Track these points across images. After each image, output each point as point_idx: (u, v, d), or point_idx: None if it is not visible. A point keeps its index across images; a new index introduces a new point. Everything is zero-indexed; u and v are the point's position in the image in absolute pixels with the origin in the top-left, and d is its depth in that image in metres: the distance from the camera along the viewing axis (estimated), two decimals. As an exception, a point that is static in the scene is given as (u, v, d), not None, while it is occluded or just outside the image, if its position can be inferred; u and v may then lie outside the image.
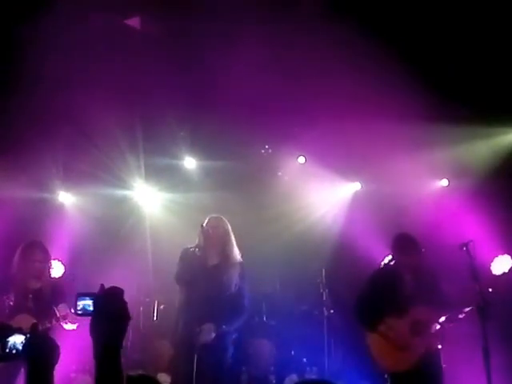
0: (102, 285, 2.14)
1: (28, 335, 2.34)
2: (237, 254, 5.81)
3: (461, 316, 5.49)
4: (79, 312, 2.20)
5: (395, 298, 5.72)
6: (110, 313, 2.07)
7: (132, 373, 2.53)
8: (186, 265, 5.70)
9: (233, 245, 5.83)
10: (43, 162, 8.23)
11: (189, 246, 5.80)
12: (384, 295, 5.73)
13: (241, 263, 5.81)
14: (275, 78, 6.80)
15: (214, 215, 5.94)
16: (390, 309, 5.71)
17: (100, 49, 6.40)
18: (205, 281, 5.57)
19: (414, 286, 5.76)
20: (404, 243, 5.85)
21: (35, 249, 6.03)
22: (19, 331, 2.33)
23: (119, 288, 2.14)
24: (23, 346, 2.32)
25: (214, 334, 5.45)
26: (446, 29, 6.36)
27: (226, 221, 5.92)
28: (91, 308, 2.16)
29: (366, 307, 5.83)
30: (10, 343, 2.31)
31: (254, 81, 6.88)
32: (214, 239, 5.72)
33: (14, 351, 2.32)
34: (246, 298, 5.76)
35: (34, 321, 5.40)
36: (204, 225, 5.76)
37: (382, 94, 6.66)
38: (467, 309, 5.41)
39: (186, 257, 5.75)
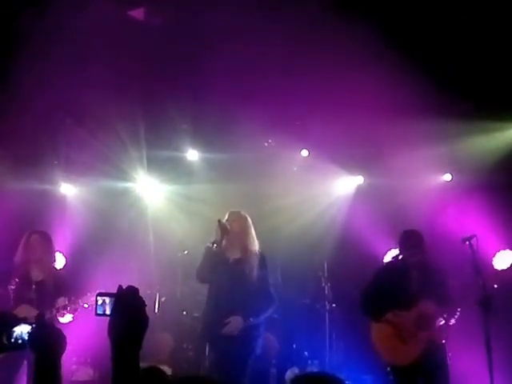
0: (120, 286, 2.11)
1: (34, 325, 2.33)
2: (256, 246, 5.83)
3: (457, 313, 5.53)
4: (99, 312, 2.17)
5: (401, 293, 5.74)
6: (129, 314, 2.04)
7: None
8: (207, 262, 5.70)
9: (253, 238, 5.83)
10: (45, 154, 8.22)
11: (208, 243, 5.77)
12: (390, 289, 5.75)
13: (261, 254, 5.84)
14: (278, 70, 6.79)
15: (233, 210, 5.95)
16: (396, 303, 5.73)
17: (102, 40, 6.37)
18: (227, 275, 5.61)
19: (421, 282, 5.78)
20: (410, 240, 5.86)
21: (37, 238, 6.03)
22: (25, 321, 2.33)
23: (136, 287, 2.11)
24: (29, 336, 2.32)
25: (240, 327, 5.49)
26: (447, 23, 6.33)
27: (246, 215, 5.92)
28: (107, 312, 2.13)
29: (372, 300, 5.86)
30: (15, 333, 2.31)
31: (257, 73, 6.86)
32: (233, 234, 5.74)
33: (19, 341, 2.31)
34: (270, 286, 5.79)
35: (36, 311, 5.46)
36: (224, 220, 5.77)
37: (385, 89, 6.64)
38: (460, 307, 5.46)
39: (207, 254, 5.75)
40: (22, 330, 2.32)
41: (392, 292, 5.75)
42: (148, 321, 2.07)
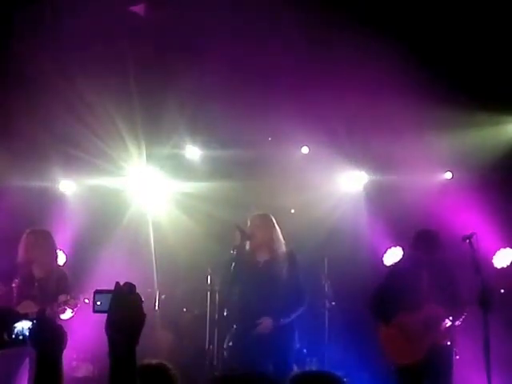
0: (118, 282, 2.13)
1: (35, 321, 2.34)
2: (283, 246, 5.88)
3: (464, 315, 5.56)
4: (97, 309, 2.18)
5: (410, 294, 5.75)
6: (126, 310, 2.05)
7: (146, 361, 2.53)
8: (234, 268, 5.71)
9: (279, 239, 5.89)
10: (43, 151, 8.19)
11: (231, 251, 5.80)
12: (400, 290, 5.76)
13: (290, 253, 5.87)
14: (279, 65, 6.77)
15: (257, 213, 5.99)
16: (405, 303, 5.74)
17: (101, 35, 6.37)
18: (257, 277, 5.66)
19: (431, 282, 5.79)
20: (423, 240, 5.85)
21: (37, 237, 6.04)
22: (26, 317, 2.34)
23: (133, 284, 2.12)
24: (30, 332, 2.32)
25: (271, 327, 5.57)
26: (450, 14, 6.27)
27: (271, 216, 5.94)
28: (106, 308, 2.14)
29: (381, 302, 5.87)
30: (16, 329, 2.31)
31: (257, 68, 6.85)
32: (259, 238, 5.78)
33: (20, 337, 2.32)
34: (301, 288, 5.83)
35: (39, 308, 5.48)
36: (248, 225, 5.80)
37: (389, 85, 6.62)
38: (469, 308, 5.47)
39: (230, 260, 5.77)
40: (23, 326, 2.33)
41: (401, 292, 5.77)
42: (145, 317, 2.09)
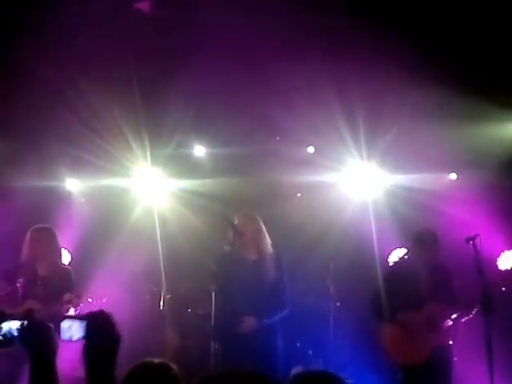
0: (91, 311, 2.15)
1: (24, 321, 2.33)
2: (269, 247, 5.89)
3: (470, 315, 5.53)
4: (63, 337, 2.19)
5: (411, 294, 5.74)
6: (99, 338, 2.08)
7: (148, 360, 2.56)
8: (223, 263, 5.76)
9: (266, 240, 5.90)
10: (49, 151, 8.23)
11: (223, 246, 5.84)
12: (400, 290, 5.75)
13: (276, 254, 5.89)
14: (284, 64, 6.76)
15: (243, 212, 6.00)
16: (406, 303, 5.72)
17: (105, 34, 6.38)
18: (245, 276, 5.68)
19: (430, 281, 5.77)
20: (426, 239, 5.83)
21: (40, 234, 6.06)
22: (13, 317, 2.33)
23: (105, 312, 2.14)
24: (18, 332, 2.32)
25: (254, 327, 5.59)
26: (460, 6, 6.19)
27: (256, 216, 5.96)
28: (81, 334, 2.15)
29: (382, 301, 5.86)
30: (4, 329, 2.31)
31: (264, 67, 6.85)
32: (247, 236, 5.79)
33: (9, 337, 2.32)
34: (285, 290, 5.87)
35: (44, 307, 5.50)
36: (235, 222, 5.82)
37: (394, 83, 6.59)
38: (476, 309, 5.44)
39: (223, 256, 5.81)
40: (12, 326, 2.33)
41: (402, 293, 5.75)
42: (119, 343, 2.11)
